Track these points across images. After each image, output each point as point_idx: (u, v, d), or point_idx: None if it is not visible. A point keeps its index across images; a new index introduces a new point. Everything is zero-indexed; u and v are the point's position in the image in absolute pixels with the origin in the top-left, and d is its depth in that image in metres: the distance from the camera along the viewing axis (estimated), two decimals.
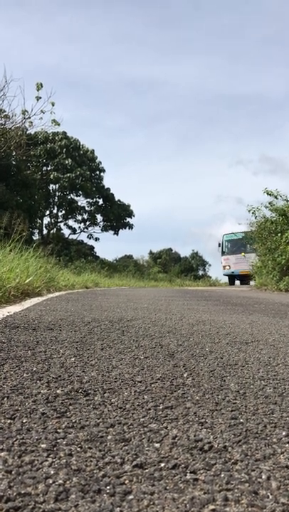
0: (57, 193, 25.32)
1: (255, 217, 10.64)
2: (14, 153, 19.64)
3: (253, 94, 59.29)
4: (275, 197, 10.27)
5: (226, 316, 2.64)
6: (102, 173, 26.46)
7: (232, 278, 23.39)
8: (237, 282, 24.69)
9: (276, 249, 8.80)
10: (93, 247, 30.14)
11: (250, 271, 18.36)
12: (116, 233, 27.59)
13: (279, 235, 9.08)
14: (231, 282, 23.34)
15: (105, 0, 55.20)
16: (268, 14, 57.71)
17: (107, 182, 26.22)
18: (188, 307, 3.19)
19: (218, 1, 53.75)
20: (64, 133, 23.95)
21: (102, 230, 27.46)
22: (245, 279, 22.85)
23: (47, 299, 3.76)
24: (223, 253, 22.97)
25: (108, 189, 26.57)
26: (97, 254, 30.44)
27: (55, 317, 2.19)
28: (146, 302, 3.86)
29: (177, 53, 57.58)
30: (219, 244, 23.28)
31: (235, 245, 22.68)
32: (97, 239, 27.78)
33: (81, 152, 24.71)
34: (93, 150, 25.78)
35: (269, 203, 10.08)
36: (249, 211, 10.42)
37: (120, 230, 27.49)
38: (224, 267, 22.80)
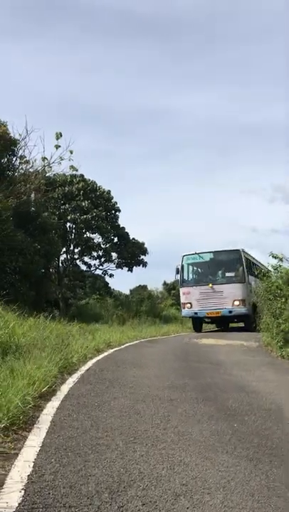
0: (73, 231, 26.03)
1: (264, 280, 11.03)
2: (33, 198, 20.48)
3: (264, 122, 60.43)
4: (281, 260, 10.68)
5: None
6: (117, 213, 27.17)
7: (197, 321, 17.00)
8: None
9: (281, 315, 9.16)
10: (108, 283, 30.67)
11: (221, 311, 15.21)
12: (130, 270, 28.09)
13: (283, 299, 9.45)
14: (196, 327, 17.07)
15: (119, 33, 57.09)
16: (277, 47, 58.62)
17: (122, 219, 26.89)
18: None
19: (228, 34, 55.32)
20: (81, 175, 24.79)
21: (116, 267, 28.00)
22: (222, 320, 17.74)
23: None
24: (182, 283, 16.33)
25: (123, 228, 27.20)
26: (111, 290, 30.97)
27: None
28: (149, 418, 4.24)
29: (190, 84, 59.10)
30: (177, 269, 16.41)
31: (201, 272, 16.71)
32: (111, 275, 28.33)
33: (97, 193, 25.47)
34: (109, 191, 26.53)
35: (274, 268, 10.48)
36: (257, 275, 10.77)
37: (134, 267, 28.00)
38: (183, 304, 16.10)
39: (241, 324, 17.82)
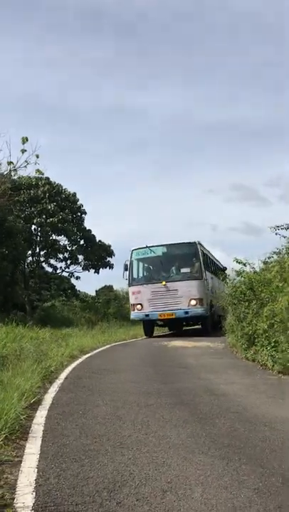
0: (39, 233, 26.11)
1: (227, 284, 11.64)
2: None
3: (230, 122, 62.09)
4: (244, 264, 11.34)
5: None
6: (83, 215, 27.42)
7: (148, 325, 15.35)
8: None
9: (245, 319, 9.76)
10: (74, 286, 30.86)
11: (175, 313, 13.89)
12: (96, 272, 28.41)
13: (247, 304, 10.08)
14: (147, 331, 15.45)
15: (85, 29, 57.25)
16: (245, 47, 60.35)
17: (88, 218, 27.12)
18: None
19: (192, 33, 56.56)
20: (47, 178, 24.92)
21: (83, 269, 28.24)
22: (176, 323, 16.05)
23: None
24: (131, 282, 14.72)
25: (89, 230, 27.51)
26: (77, 293, 31.17)
27: None
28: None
29: (153, 82, 59.90)
30: (126, 266, 14.95)
31: (153, 268, 15.24)
32: (78, 277, 28.55)
33: (63, 196, 25.67)
34: (75, 193, 26.76)
35: (238, 273, 11.12)
36: (222, 279, 11.42)
37: (101, 269, 28.32)
38: (133, 306, 14.50)
39: (197, 326, 16.78)
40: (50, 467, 3.16)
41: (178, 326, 17.16)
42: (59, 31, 58.46)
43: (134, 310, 14.56)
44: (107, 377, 6.85)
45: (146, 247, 14.87)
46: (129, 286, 14.92)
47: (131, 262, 14.90)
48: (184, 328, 17.85)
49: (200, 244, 14.85)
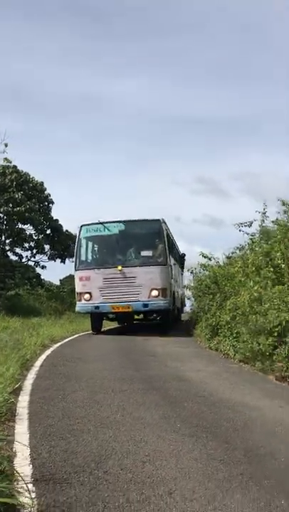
0: (5, 222, 25.97)
1: (194, 277, 12.19)
2: None
3: (197, 116, 63.10)
4: (209, 259, 11.91)
5: None
6: (50, 205, 27.40)
7: (97, 318, 12.79)
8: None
9: (209, 311, 10.32)
10: (39, 275, 30.82)
11: (132, 306, 11.64)
12: (63, 261, 28.51)
13: (211, 296, 10.65)
14: (96, 326, 12.88)
15: (52, 13, 56.52)
16: (212, 40, 61.17)
17: (55, 207, 27.14)
18: None
19: (163, 23, 57.15)
20: (14, 166, 24.79)
21: (49, 259, 28.28)
22: (126, 317, 13.40)
23: None
24: (78, 265, 12.26)
25: (56, 220, 27.52)
26: (43, 282, 31.16)
27: None
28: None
29: (124, 72, 60.14)
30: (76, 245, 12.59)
31: (106, 249, 12.67)
32: (44, 267, 28.59)
33: (31, 185, 25.59)
34: (42, 182, 26.67)
35: (204, 266, 11.68)
36: (188, 270, 11.98)
37: (67, 258, 28.42)
38: (80, 295, 11.99)
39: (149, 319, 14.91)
40: (40, 444, 3.54)
41: (129, 320, 14.66)
42: (30, 17, 57.38)
43: (80, 300, 12.00)
44: (80, 365, 7.24)
45: (99, 222, 12.21)
46: (76, 270, 12.29)
47: (79, 241, 12.36)
48: (136, 321, 15.66)
49: (165, 223, 12.53)
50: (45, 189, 27.00)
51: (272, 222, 9.93)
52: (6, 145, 21.51)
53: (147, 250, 12.20)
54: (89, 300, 11.83)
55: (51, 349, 9.10)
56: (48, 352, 8.65)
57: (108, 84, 60.37)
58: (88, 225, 12.37)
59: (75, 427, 4.01)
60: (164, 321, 13.12)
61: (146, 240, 12.47)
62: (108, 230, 12.28)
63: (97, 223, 12.28)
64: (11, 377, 5.26)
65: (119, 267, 11.66)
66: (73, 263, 12.65)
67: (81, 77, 61.44)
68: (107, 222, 12.24)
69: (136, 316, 14.81)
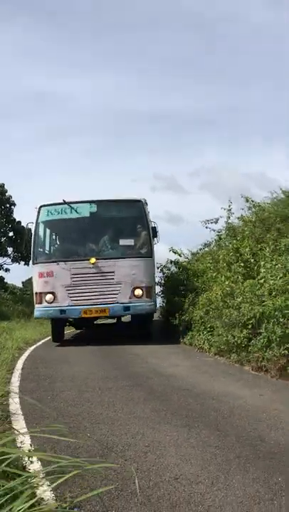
0: None
1: (164, 274, 12.45)
2: None
3: (161, 113, 63.81)
4: (179, 255, 12.22)
5: None
6: (12, 207, 27.09)
7: (59, 324, 10.59)
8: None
9: (182, 307, 10.58)
10: (3, 278, 30.37)
11: (110, 309, 9.49)
12: (26, 263, 28.23)
13: (183, 292, 10.94)
14: (57, 334, 10.60)
15: (6, 12, 55.62)
16: (175, 35, 61.73)
17: (18, 207, 26.83)
18: None
19: (121, 20, 57.52)
20: None
21: (12, 261, 27.98)
22: (91, 321, 11.18)
23: None
24: (36, 257, 10.03)
25: (19, 222, 27.20)
26: (6, 285, 30.70)
27: None
28: None
29: (84, 69, 59.94)
30: (29, 233, 10.21)
31: (74, 237, 10.42)
32: (7, 270, 28.26)
33: None
34: (3, 184, 26.38)
35: (174, 263, 11.98)
36: (158, 268, 12.23)
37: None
38: (39, 295, 9.72)
39: (112, 320, 13.02)
40: (42, 443, 3.65)
41: (92, 324, 12.39)
42: None
43: (40, 302, 9.59)
44: (62, 367, 7.32)
45: (65, 202, 9.89)
46: (34, 263, 9.91)
47: (37, 226, 9.83)
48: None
49: (146, 204, 10.22)
50: (6, 191, 26.69)
51: (238, 218, 10.31)
52: None
53: (127, 239, 10.03)
54: (52, 302, 9.43)
55: (28, 352, 9.13)
56: (25, 355, 8.68)
57: (64, 81, 59.86)
58: (49, 205, 9.95)
59: (71, 424, 4.13)
60: (144, 325, 10.80)
61: (125, 225, 10.42)
62: (76, 212, 9.82)
63: (61, 203, 9.91)
64: None
65: (93, 260, 9.41)
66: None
67: (36, 74, 60.65)
68: (74, 203, 9.90)
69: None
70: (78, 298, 9.48)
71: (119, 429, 3.99)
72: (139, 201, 10.16)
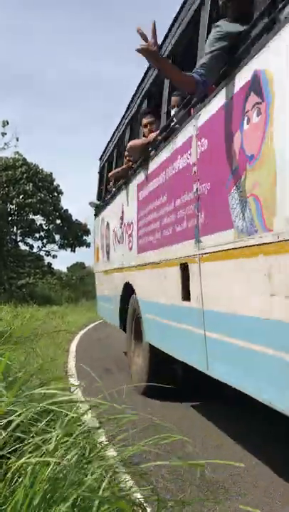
0: (15, 213, 26.66)
1: None
2: None
3: None
4: None
5: None
6: (60, 195, 28.00)
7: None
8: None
9: None
10: (51, 264, 31.50)
11: None
12: (73, 250, 29.24)
13: None
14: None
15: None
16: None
17: (64, 202, 27.74)
18: None
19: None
20: (24, 159, 25.34)
21: (59, 248, 28.99)
22: None
23: None
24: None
25: (66, 210, 28.11)
26: (54, 271, 31.82)
27: None
28: None
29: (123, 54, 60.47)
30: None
31: None
32: (54, 256, 29.33)
33: (40, 177, 26.18)
34: (51, 173, 27.26)
35: None
36: None
37: (77, 247, 29.11)
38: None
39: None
40: None
41: None
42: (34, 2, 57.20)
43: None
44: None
45: None
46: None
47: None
48: None
49: None
50: (54, 180, 27.56)
51: None
52: (17, 139, 22.27)
53: None
54: None
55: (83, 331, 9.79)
56: (78, 337, 9.35)
57: (109, 66, 60.02)
58: None
59: None
60: None
61: None
62: None
63: None
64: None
65: None
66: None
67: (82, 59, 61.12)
68: None
69: None
70: None
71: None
72: None
